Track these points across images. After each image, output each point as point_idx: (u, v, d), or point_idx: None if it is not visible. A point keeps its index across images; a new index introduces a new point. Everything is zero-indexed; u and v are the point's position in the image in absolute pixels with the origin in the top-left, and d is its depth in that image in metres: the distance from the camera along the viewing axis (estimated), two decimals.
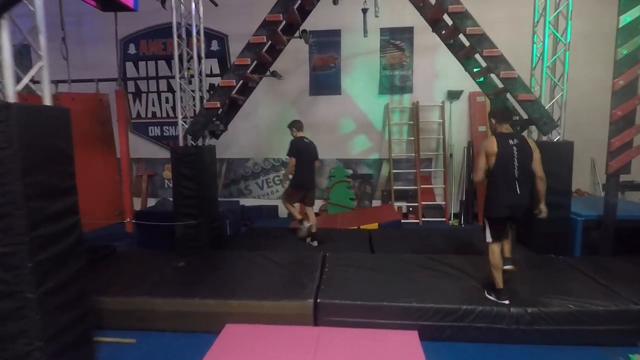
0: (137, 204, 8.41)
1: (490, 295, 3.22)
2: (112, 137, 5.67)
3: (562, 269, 3.89)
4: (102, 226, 5.96)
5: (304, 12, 5.25)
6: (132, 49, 8.16)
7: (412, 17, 7.28)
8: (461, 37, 5.03)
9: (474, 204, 7.34)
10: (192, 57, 5.31)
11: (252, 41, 4.63)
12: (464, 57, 5.10)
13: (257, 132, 8.10)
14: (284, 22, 5.21)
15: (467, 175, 7.34)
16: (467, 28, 4.41)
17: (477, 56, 4.96)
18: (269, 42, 5.27)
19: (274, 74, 5.40)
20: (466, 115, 7.58)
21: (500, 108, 3.50)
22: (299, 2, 5.13)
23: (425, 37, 7.25)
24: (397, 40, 7.59)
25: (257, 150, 8.17)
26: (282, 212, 8.19)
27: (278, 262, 4.19)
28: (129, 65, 8.20)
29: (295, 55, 7.71)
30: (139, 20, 7.95)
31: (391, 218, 6.06)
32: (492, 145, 3.06)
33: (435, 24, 5.12)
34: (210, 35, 7.87)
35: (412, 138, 7.60)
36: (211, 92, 5.05)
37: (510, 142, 3.07)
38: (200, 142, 5.12)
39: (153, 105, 8.29)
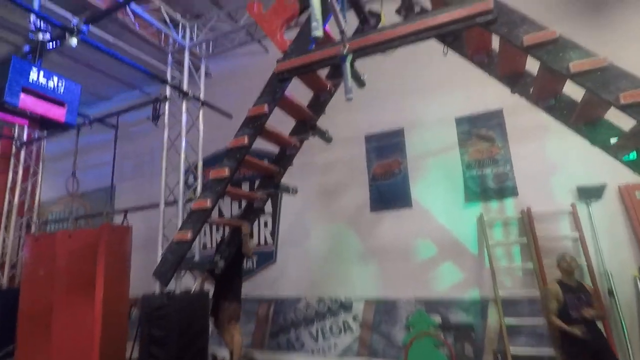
0: None
1: None
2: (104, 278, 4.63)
3: None
4: None
5: (319, 103, 3.93)
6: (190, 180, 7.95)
7: (495, 96, 5.38)
8: (567, 88, 2.92)
9: None
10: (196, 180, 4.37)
11: (231, 146, 3.35)
12: (583, 121, 2.86)
13: (309, 263, 6.38)
14: (297, 121, 3.97)
15: None
16: (570, 64, 2.34)
17: (611, 113, 2.71)
18: (280, 147, 4.01)
19: (280, 188, 3.91)
20: (623, 222, 4.62)
21: None
22: (313, 94, 3.90)
23: (522, 117, 5.21)
24: (480, 128, 5.60)
25: (310, 287, 6.31)
26: None
27: None
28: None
29: (349, 164, 6.34)
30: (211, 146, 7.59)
31: None
32: None
33: (515, 80, 3.16)
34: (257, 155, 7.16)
35: (530, 264, 4.82)
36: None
37: None
38: (177, 287, 3.63)
39: (204, 234, 7.52)
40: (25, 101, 2.86)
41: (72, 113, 3.14)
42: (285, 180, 6.73)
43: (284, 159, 4.00)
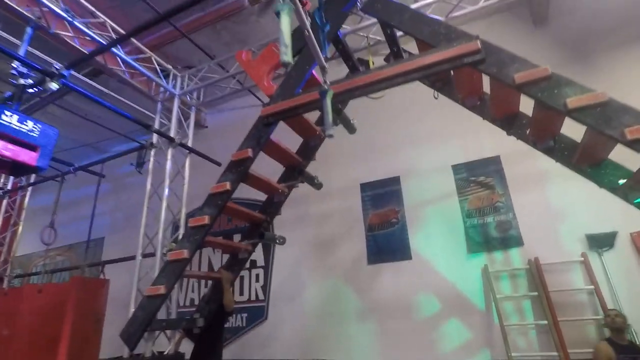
0: None
1: None
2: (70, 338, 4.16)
3: None
4: None
5: (309, 149, 3.80)
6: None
7: (492, 144, 5.35)
8: (566, 129, 2.78)
9: None
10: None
11: (213, 191, 3.16)
12: (587, 162, 2.67)
13: (303, 320, 5.89)
14: (286, 168, 3.82)
15: None
16: (567, 100, 2.21)
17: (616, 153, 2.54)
18: (267, 195, 3.81)
19: (265, 237, 3.63)
20: (639, 272, 4.27)
21: None
22: (302, 140, 3.79)
23: (522, 163, 5.08)
24: (479, 176, 5.43)
25: (304, 348, 5.75)
26: None
27: None
28: None
29: (344, 215, 6.10)
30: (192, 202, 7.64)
31: None
32: None
33: (510, 122, 3.03)
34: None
35: (544, 321, 4.38)
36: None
37: None
38: (148, 349, 3.22)
39: (192, 290, 7.06)
40: None
41: (45, 157, 2.98)
42: (279, 232, 6.46)
43: (272, 206, 3.77)
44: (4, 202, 6.20)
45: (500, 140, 5.30)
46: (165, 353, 3.44)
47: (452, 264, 5.19)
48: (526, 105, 2.88)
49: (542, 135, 2.82)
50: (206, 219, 3.08)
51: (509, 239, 4.99)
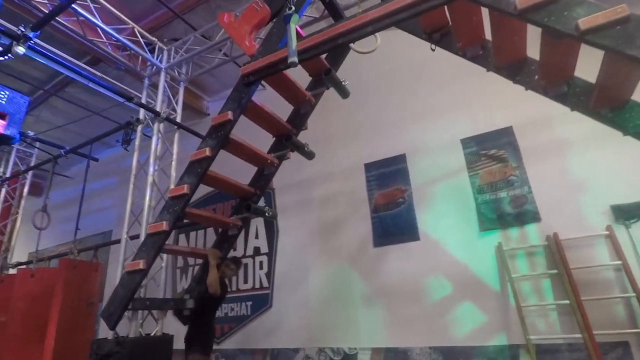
0: None
1: None
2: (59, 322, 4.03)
3: None
4: None
5: (300, 116, 3.54)
6: None
7: (505, 114, 4.97)
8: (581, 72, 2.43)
9: None
10: None
11: (192, 158, 2.94)
12: (607, 105, 2.31)
13: (308, 307, 5.65)
14: (275, 137, 3.58)
15: None
16: (579, 21, 1.87)
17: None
18: (259, 167, 3.58)
19: (252, 210, 3.37)
20: None
21: None
22: (293, 108, 3.55)
23: (536, 133, 4.70)
24: (490, 149, 5.04)
25: (309, 335, 5.51)
26: None
27: None
28: (181, 237, 7.45)
29: (349, 197, 5.81)
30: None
31: None
32: None
33: (517, 69, 2.68)
34: None
35: (566, 302, 3.99)
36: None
37: None
38: (132, 329, 3.03)
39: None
40: None
41: (15, 126, 2.82)
42: (282, 217, 6.22)
43: (261, 179, 3.53)
44: (3, 190, 6.19)
45: (513, 110, 4.99)
46: (152, 335, 3.26)
47: (463, 244, 4.83)
48: (534, 52, 2.55)
49: (554, 79, 2.47)
50: (185, 188, 2.86)
51: (524, 215, 4.60)
